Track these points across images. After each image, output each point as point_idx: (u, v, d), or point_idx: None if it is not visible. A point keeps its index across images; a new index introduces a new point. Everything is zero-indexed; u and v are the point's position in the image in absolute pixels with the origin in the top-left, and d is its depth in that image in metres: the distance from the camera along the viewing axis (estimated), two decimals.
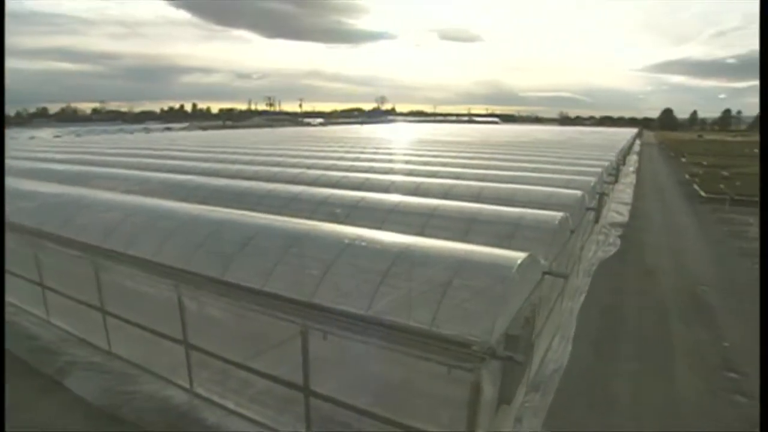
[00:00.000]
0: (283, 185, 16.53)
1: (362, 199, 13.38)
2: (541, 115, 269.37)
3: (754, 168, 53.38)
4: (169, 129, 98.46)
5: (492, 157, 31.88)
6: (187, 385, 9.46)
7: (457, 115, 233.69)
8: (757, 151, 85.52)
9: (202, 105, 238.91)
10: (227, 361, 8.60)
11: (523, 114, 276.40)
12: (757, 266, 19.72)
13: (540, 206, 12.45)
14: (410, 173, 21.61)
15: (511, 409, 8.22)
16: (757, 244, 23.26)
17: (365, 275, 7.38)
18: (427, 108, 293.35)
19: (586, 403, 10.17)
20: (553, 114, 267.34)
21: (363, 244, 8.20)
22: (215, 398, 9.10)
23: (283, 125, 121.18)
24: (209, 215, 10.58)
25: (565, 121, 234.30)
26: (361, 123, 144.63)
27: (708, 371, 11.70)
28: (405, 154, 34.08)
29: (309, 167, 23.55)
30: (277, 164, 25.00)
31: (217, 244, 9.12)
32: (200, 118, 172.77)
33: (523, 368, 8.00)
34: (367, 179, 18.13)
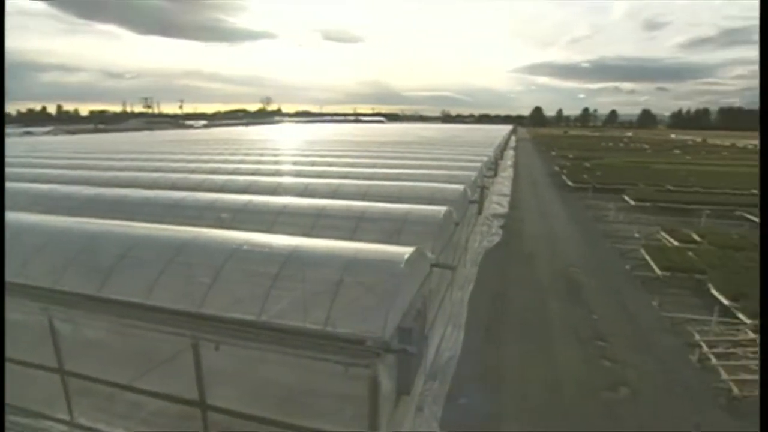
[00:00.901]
0: (164, 191, 15.60)
1: (249, 202, 13.05)
2: (424, 113, 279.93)
3: (610, 159, 59.69)
4: (29, 133, 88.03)
5: (379, 155, 32.48)
6: (67, 417, 8.63)
7: (344, 114, 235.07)
8: (612, 144, 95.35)
9: (68, 106, 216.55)
10: (112, 384, 7.95)
11: (408, 113, 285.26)
12: (617, 246, 22.10)
13: (425, 201, 12.94)
14: (298, 174, 21.42)
15: (411, 399, 8.48)
16: (616, 226, 26.06)
17: (256, 280, 7.23)
18: (314, 108, 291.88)
19: (480, 385, 10.81)
20: (436, 112, 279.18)
21: (252, 248, 8.02)
22: (101, 426, 8.38)
23: (162, 128, 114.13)
24: (81, 227, 9.71)
25: (447, 119, 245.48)
26: (246, 124, 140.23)
27: (581, 342, 12.96)
28: (292, 155, 33.71)
29: (192, 171, 22.44)
30: (157, 169, 23.48)
31: (91, 259, 8.40)
32: (67, 121, 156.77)
33: (418, 359, 8.27)
34: (254, 182, 17.68)
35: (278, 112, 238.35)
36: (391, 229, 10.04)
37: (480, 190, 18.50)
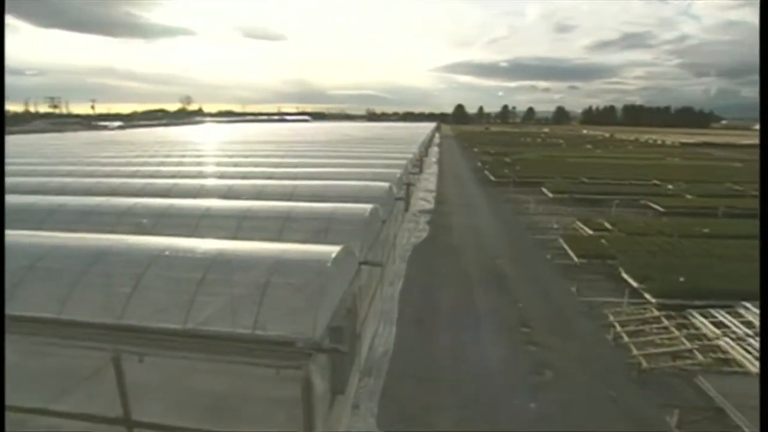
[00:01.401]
0: (77, 197, 14.65)
1: (170, 206, 12.55)
2: (349, 112, 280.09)
3: (529, 154, 62.44)
4: None
5: (305, 155, 32.21)
6: None
7: (268, 114, 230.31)
8: (530, 140, 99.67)
9: None
10: (22, 409, 7.38)
11: (333, 111, 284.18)
12: (538, 236, 23.21)
13: (352, 200, 12.99)
14: (221, 176, 20.82)
15: (346, 397, 8.52)
16: (537, 218, 27.34)
17: (179, 286, 6.98)
18: (237, 107, 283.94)
19: (415, 378, 11.01)
20: (361, 111, 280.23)
21: (174, 253, 7.73)
22: None
23: (73, 129, 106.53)
24: None
25: (372, 117, 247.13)
26: (166, 125, 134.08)
27: (508, 329, 13.53)
28: (215, 156, 32.68)
29: (108, 175, 21.23)
30: (69, 174, 22.00)
31: None
32: None
33: (351, 357, 8.34)
34: (175, 185, 16.99)
35: (199, 112, 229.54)
36: (318, 229, 10.02)
37: (406, 187, 18.82)
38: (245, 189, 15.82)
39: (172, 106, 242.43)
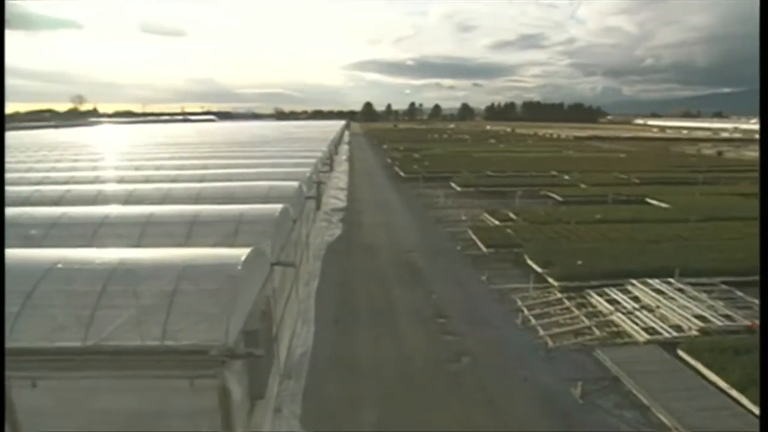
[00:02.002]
0: None
1: (64, 214, 11.56)
2: (257, 111, 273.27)
3: (437, 150, 64.23)
4: None
5: (211, 156, 31.03)
6: None
7: (171, 114, 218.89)
8: (437, 136, 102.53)
9: None
10: None
11: (240, 111, 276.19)
12: (449, 229, 23.98)
13: (261, 200, 12.69)
14: (121, 180, 19.54)
15: (266, 402, 8.33)
16: (446, 211, 28.22)
17: (77, 301, 6.47)
18: (136, 107, 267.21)
19: (336, 375, 11.03)
20: (269, 110, 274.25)
21: (69, 266, 7.14)
22: None
23: None
24: None
25: (281, 116, 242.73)
26: (56, 127, 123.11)
27: (424, 321, 13.89)
28: (113, 159, 30.67)
29: None
30: None
31: None
32: None
33: (269, 360, 8.15)
34: (68, 191, 15.68)
35: (94, 113, 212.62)
36: (227, 232, 9.68)
37: (317, 185, 18.71)
38: (148, 193, 14.94)
39: (62, 106, 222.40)
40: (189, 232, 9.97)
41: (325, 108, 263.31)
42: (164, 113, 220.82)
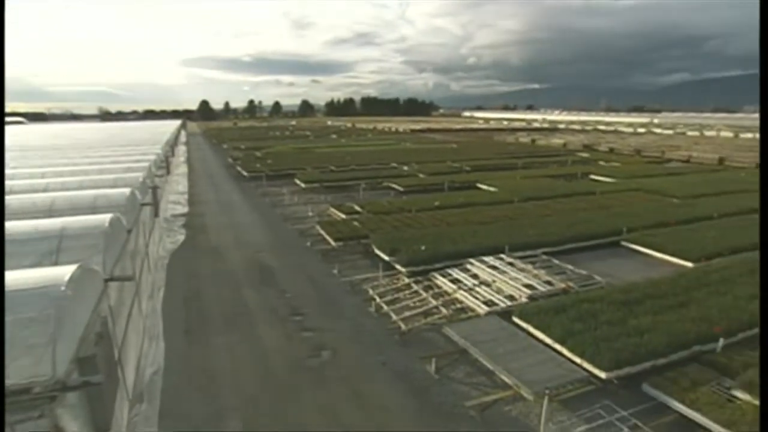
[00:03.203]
0: None
1: None
2: (77, 111, 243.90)
3: (280, 147, 63.41)
4: None
5: (21, 164, 27.11)
6: None
7: None
8: (279, 133, 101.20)
9: None
10: None
11: (56, 111, 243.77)
12: (297, 226, 23.87)
13: (88, 211, 11.41)
14: None
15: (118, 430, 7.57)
16: (293, 208, 28.05)
17: None
18: None
19: (194, 390, 10.41)
20: (92, 110, 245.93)
21: None
22: None
23: None
24: None
25: (106, 117, 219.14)
26: None
27: (281, 320, 13.72)
28: None
29: None
30: None
31: None
32: None
33: (113, 387, 7.41)
34: None
35: None
36: (47, 249, 8.54)
37: (152, 190, 17.32)
38: None
39: None
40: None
41: (157, 107, 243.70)
42: None
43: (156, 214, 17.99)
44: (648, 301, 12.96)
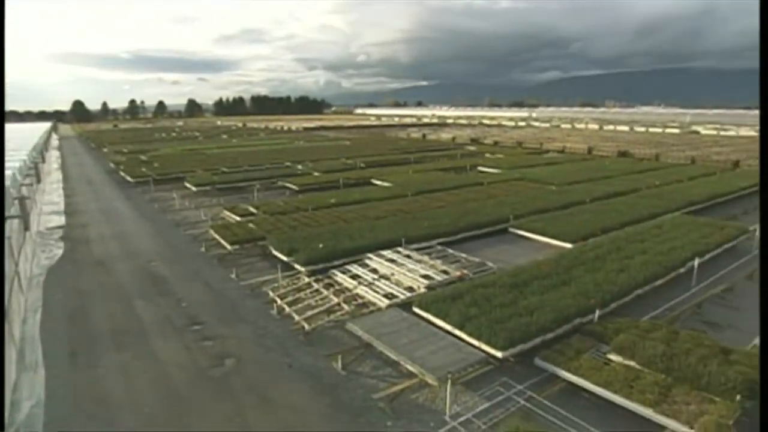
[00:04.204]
0: None
1: None
2: None
3: (167, 149, 60.11)
4: None
5: None
6: None
7: None
8: (165, 135, 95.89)
9: None
10: None
11: None
12: (189, 231, 22.84)
13: None
14: None
15: None
16: (184, 213, 26.77)
17: None
18: None
19: (84, 418, 9.60)
20: None
21: None
22: None
23: None
24: None
25: None
26: None
27: (178, 331, 13.08)
28: None
29: None
30: None
31: None
32: None
33: None
34: None
35: None
36: None
37: (19, 202, 15.70)
38: None
39: None
40: None
41: (20, 108, 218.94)
42: None
43: (26, 227, 16.33)
44: (535, 282, 14.01)
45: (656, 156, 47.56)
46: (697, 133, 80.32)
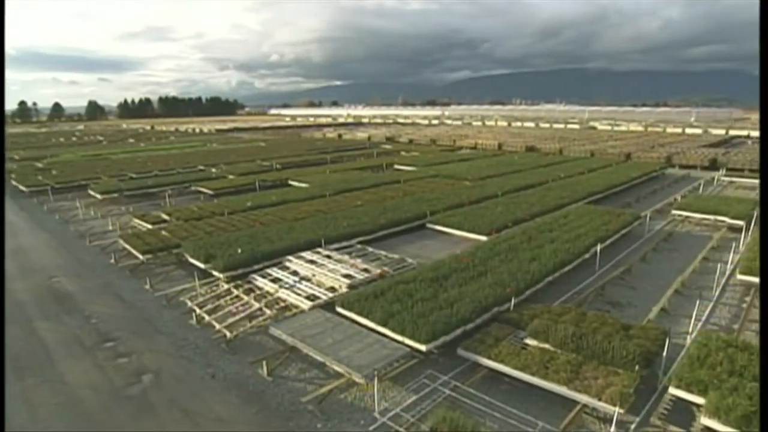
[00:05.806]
0: None
1: None
2: None
3: (66, 155, 55.89)
4: None
5: None
6: None
7: None
8: (63, 139, 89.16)
9: None
10: None
11: None
12: (96, 243, 21.42)
13: None
14: None
15: None
16: (90, 223, 25.05)
17: None
18: None
19: None
20: None
21: None
22: None
23: None
24: None
25: None
26: None
27: (88, 350, 12.22)
28: None
29: None
30: None
31: None
32: None
33: None
34: None
35: None
36: None
37: None
38: None
39: None
40: None
41: None
42: None
43: None
44: (454, 275, 14.48)
45: (560, 150, 50.75)
46: (595, 128, 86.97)
